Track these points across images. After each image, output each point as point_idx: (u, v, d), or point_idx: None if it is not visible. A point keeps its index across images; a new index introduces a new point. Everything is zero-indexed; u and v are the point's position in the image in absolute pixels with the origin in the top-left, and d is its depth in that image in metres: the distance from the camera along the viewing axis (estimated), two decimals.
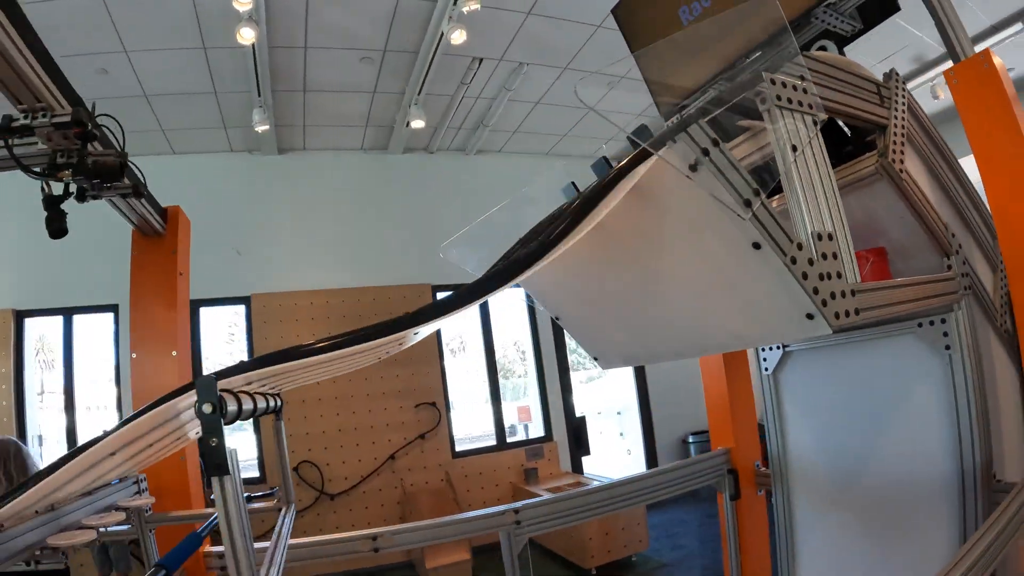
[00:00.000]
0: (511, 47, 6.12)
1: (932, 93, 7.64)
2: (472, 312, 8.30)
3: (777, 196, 1.88)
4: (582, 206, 1.48)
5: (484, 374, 7.96)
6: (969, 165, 2.36)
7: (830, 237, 1.59)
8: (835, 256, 1.58)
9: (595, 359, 2.59)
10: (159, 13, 4.88)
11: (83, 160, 1.56)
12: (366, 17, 5.39)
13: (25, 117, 1.60)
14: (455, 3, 5.00)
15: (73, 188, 1.69)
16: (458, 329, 8.50)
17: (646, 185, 1.57)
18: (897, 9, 2.59)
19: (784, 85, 1.62)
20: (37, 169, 1.61)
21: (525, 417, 8.40)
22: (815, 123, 1.68)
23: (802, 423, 2.89)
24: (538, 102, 7.39)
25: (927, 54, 6.91)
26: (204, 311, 6.90)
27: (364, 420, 6.94)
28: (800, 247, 1.50)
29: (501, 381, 8.19)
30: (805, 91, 1.67)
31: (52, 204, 1.62)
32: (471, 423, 8.07)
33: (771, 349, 2.95)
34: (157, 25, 5.04)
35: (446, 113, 7.23)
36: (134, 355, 2.40)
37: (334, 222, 7.61)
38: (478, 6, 4.84)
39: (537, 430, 8.20)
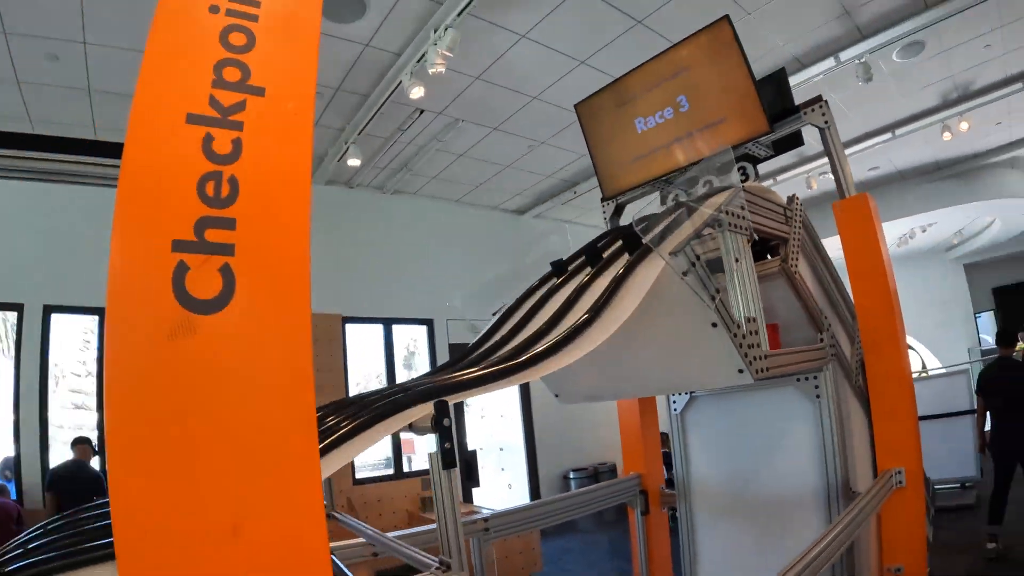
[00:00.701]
0: (453, 104, 6.89)
1: (807, 184, 9.40)
2: (378, 342, 8.86)
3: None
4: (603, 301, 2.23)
5: None
6: (831, 244, 3.36)
7: (754, 320, 2.45)
8: (756, 333, 2.44)
9: (556, 395, 3.34)
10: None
11: None
12: (330, 60, 5.93)
13: None
14: (419, 61, 5.71)
15: None
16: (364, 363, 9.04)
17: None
18: (802, 144, 3.60)
19: (732, 214, 2.48)
20: None
21: (408, 449, 8.96)
22: (748, 240, 2.56)
23: (703, 452, 3.78)
24: (462, 155, 8.21)
25: (807, 151, 8.47)
26: (56, 317, 6.75)
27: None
28: (739, 326, 2.35)
29: None
30: (744, 217, 2.55)
31: None
32: (369, 452, 8.54)
33: (681, 394, 3.84)
34: None
35: (376, 153, 7.85)
36: None
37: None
38: (443, 69, 5.52)
39: None
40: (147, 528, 0.90)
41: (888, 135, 9.43)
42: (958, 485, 7.50)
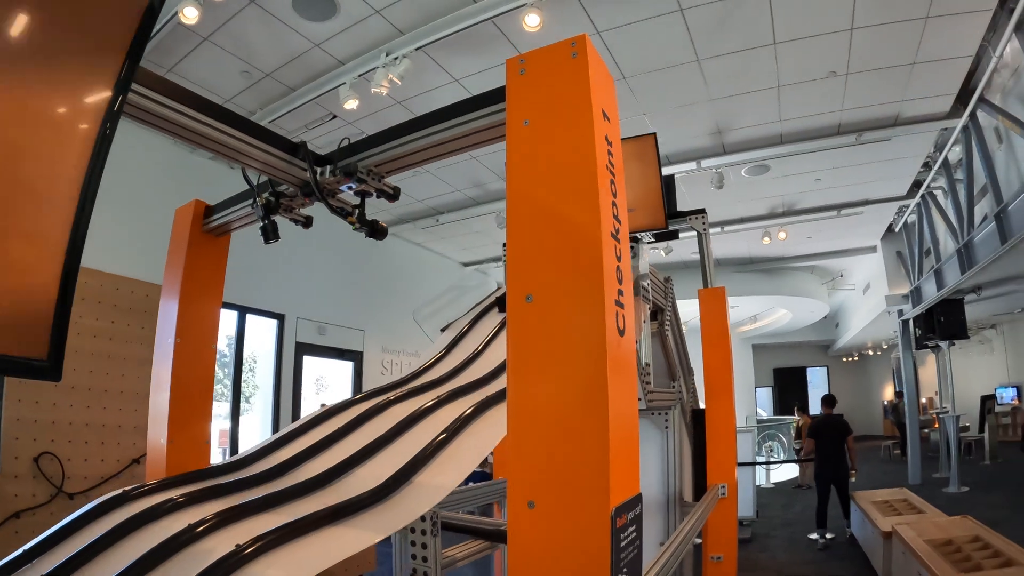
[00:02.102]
0: (365, 118, 7.65)
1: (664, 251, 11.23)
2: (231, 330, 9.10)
3: None
4: None
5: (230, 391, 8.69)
6: (685, 307, 4.62)
7: (648, 364, 3.60)
8: (649, 374, 3.59)
9: None
10: None
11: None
12: (275, 47, 6.35)
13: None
14: (360, 76, 6.46)
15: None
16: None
17: None
18: (677, 238, 4.89)
19: (644, 287, 3.63)
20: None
21: (224, 441, 8.96)
22: (650, 307, 3.73)
23: None
24: None
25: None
26: None
27: (114, 418, 6.97)
28: (643, 367, 3.49)
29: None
30: (649, 290, 3.72)
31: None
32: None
33: None
34: None
35: None
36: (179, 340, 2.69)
37: (140, 209, 7.62)
38: (385, 91, 6.31)
39: None
40: None
41: (718, 229, 11.50)
42: (739, 523, 9.27)
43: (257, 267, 8.66)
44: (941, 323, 11.84)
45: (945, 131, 8.80)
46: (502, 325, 3.29)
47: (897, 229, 12.96)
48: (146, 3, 1.31)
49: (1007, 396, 18.48)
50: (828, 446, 8.78)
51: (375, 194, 2.24)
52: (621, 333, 1.35)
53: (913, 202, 11.32)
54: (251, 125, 2.07)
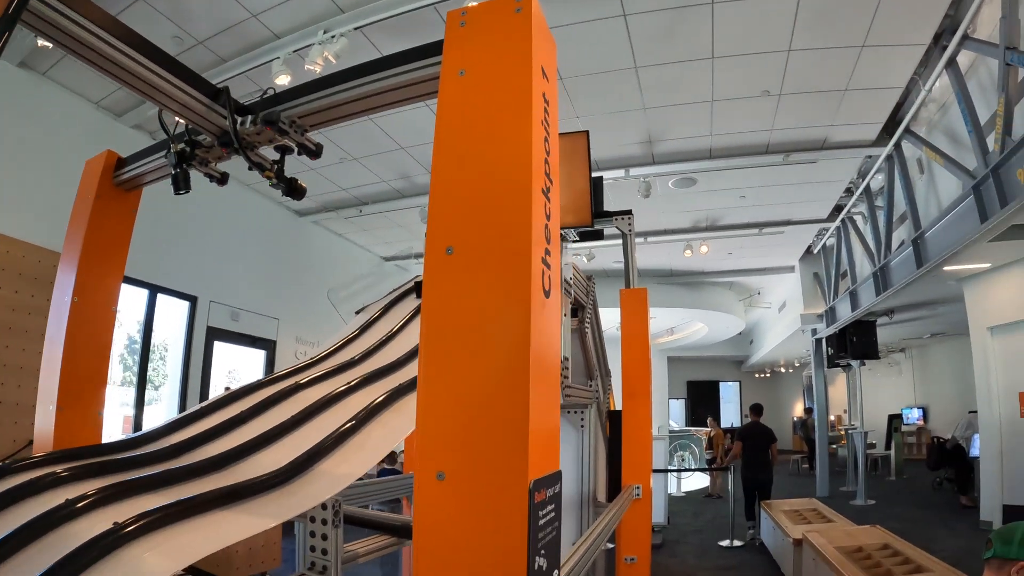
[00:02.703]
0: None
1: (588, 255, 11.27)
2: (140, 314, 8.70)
3: None
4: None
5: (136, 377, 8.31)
6: (607, 315, 4.63)
7: (567, 359, 3.57)
8: (568, 368, 3.56)
9: None
10: None
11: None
12: (210, 13, 6.08)
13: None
14: (295, 51, 6.26)
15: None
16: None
17: None
18: (602, 238, 4.90)
19: (567, 281, 3.60)
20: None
21: (127, 429, 8.71)
22: (572, 303, 3.70)
23: None
24: None
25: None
26: None
27: (12, 395, 6.53)
28: (563, 362, 3.45)
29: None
30: (572, 285, 3.69)
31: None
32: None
33: None
34: None
35: None
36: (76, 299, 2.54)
37: (52, 173, 6.94)
38: (319, 69, 6.05)
39: None
40: None
41: (642, 239, 11.69)
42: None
43: (172, 244, 8.34)
44: (853, 343, 12.40)
45: (869, 158, 9.17)
46: (417, 310, 3.20)
47: (816, 251, 13.45)
48: None
49: (913, 417, 19.50)
50: (754, 451, 9.66)
51: (296, 149, 2.13)
52: (547, 294, 1.29)
53: (833, 225, 11.76)
54: (174, 63, 1.95)
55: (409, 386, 2.13)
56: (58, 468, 1.57)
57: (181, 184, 2.19)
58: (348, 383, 2.23)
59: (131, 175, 2.51)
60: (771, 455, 9.65)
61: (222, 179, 2.36)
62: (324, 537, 1.81)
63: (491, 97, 1.37)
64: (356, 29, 5.96)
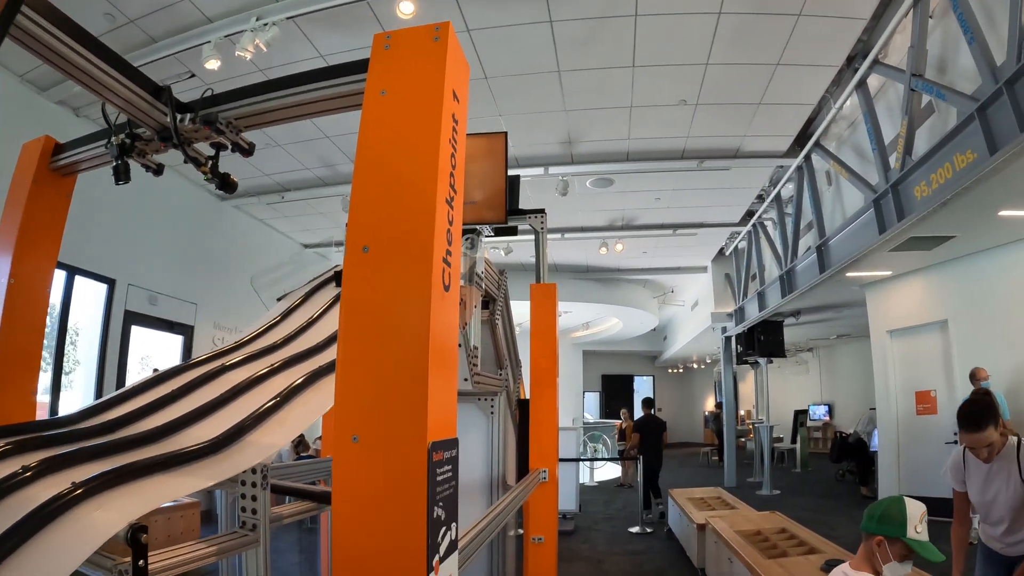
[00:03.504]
0: (224, 81, 7.36)
1: (505, 251, 11.54)
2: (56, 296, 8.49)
3: None
4: None
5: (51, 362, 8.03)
6: (520, 307, 4.90)
7: (476, 348, 3.82)
8: (477, 357, 3.81)
9: None
10: None
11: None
12: None
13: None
14: (226, 36, 6.29)
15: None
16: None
17: None
18: (515, 234, 5.15)
19: (478, 274, 3.84)
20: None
21: (43, 415, 8.60)
22: (482, 294, 3.95)
23: None
24: None
25: None
26: None
27: None
28: (471, 350, 3.70)
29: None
30: (483, 278, 3.94)
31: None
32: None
33: None
34: None
35: None
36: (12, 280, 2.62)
37: None
38: (249, 56, 6.17)
39: None
40: None
41: (559, 235, 12.08)
42: (562, 515, 9.85)
43: (91, 225, 8.14)
44: (761, 341, 13.08)
45: (780, 168, 9.74)
46: (336, 298, 3.38)
47: (728, 253, 14.09)
48: None
49: (819, 413, 20.61)
50: (649, 440, 11.13)
51: (230, 147, 2.31)
52: (446, 288, 1.52)
53: (745, 229, 12.38)
54: (119, 60, 2.09)
55: (327, 368, 2.33)
56: (24, 437, 1.71)
57: (122, 175, 2.33)
58: (271, 365, 2.42)
59: (67, 161, 2.62)
60: (662, 442, 11.37)
61: (158, 170, 2.51)
62: (254, 498, 1.99)
63: (407, 116, 1.59)
64: (289, 19, 6.04)
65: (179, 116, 2.25)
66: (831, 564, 4.34)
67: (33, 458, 1.57)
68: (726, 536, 5.72)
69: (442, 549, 1.50)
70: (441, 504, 1.51)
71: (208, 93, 2.31)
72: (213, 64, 6.45)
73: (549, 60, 6.89)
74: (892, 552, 2.41)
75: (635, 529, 9.61)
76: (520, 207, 5.14)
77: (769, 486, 12.72)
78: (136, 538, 1.37)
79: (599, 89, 7.47)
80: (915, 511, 2.45)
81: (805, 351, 21.31)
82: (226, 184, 2.48)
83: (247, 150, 2.36)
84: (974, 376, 7.50)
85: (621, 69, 7.05)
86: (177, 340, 10.26)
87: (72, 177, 2.75)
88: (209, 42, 6.41)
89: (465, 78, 1.80)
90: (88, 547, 1.25)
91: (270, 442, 1.89)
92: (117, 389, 7.22)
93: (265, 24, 6.05)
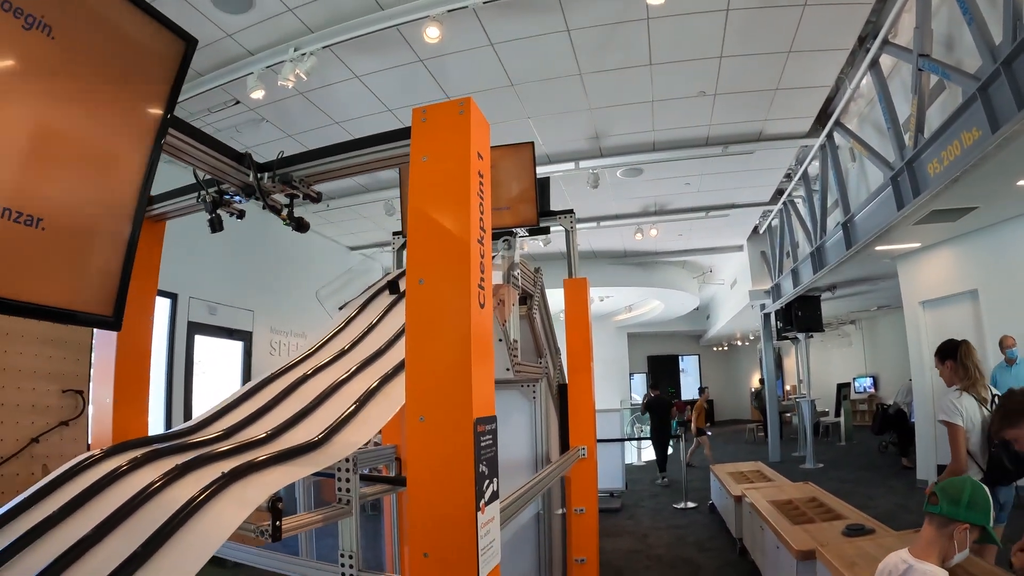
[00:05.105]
0: (267, 106, 8.06)
1: (544, 242, 12.08)
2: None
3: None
4: None
5: None
6: (557, 295, 5.42)
7: (516, 341, 4.36)
8: (517, 349, 4.35)
9: None
10: None
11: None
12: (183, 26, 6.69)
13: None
14: (268, 67, 6.89)
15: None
16: None
17: None
18: (548, 234, 5.68)
19: (514, 276, 4.38)
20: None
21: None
22: (519, 293, 4.49)
23: None
24: (249, 148, 9.30)
25: None
26: None
27: (12, 397, 6.55)
28: (511, 343, 4.24)
29: None
30: (518, 278, 4.47)
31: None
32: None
33: None
34: None
35: None
36: None
37: None
38: (291, 85, 6.79)
39: None
40: None
41: (594, 224, 12.60)
42: (609, 494, 10.46)
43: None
44: (798, 317, 13.35)
45: (804, 148, 10.06)
46: (391, 304, 3.92)
47: (761, 231, 14.38)
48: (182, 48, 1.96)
49: (864, 385, 20.63)
50: (658, 417, 13.28)
51: (302, 197, 2.88)
52: (482, 306, 2.07)
53: (776, 208, 12.68)
54: (207, 137, 2.65)
55: (393, 373, 2.86)
56: (156, 446, 2.25)
57: (217, 226, 2.91)
58: (347, 371, 2.98)
59: (161, 211, 3.21)
60: (671, 414, 13.95)
61: (240, 215, 3.09)
62: (347, 480, 2.55)
63: (444, 177, 2.12)
64: (325, 48, 6.61)
65: (260, 175, 2.81)
66: (852, 528, 4.80)
67: (172, 462, 2.07)
68: (759, 506, 6.11)
69: (486, 496, 2.05)
70: (484, 463, 2.05)
71: (280, 154, 2.86)
72: (258, 94, 7.06)
73: (570, 65, 7.37)
74: (970, 539, 2.36)
75: (680, 505, 10.08)
76: (551, 207, 5.65)
77: (812, 459, 13.05)
78: (275, 506, 1.95)
79: (620, 87, 7.93)
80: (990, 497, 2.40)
81: (848, 323, 21.39)
82: (300, 226, 3.05)
83: (316, 199, 2.93)
84: (1002, 344, 7.69)
85: (639, 68, 7.49)
86: (237, 346, 11.01)
87: (163, 223, 3.34)
88: (252, 73, 7.00)
89: (486, 138, 2.32)
90: (247, 510, 1.82)
91: (356, 439, 2.44)
92: (185, 394, 8.01)
93: (303, 54, 6.62)
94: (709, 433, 15.05)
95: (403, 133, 2.39)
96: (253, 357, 11.10)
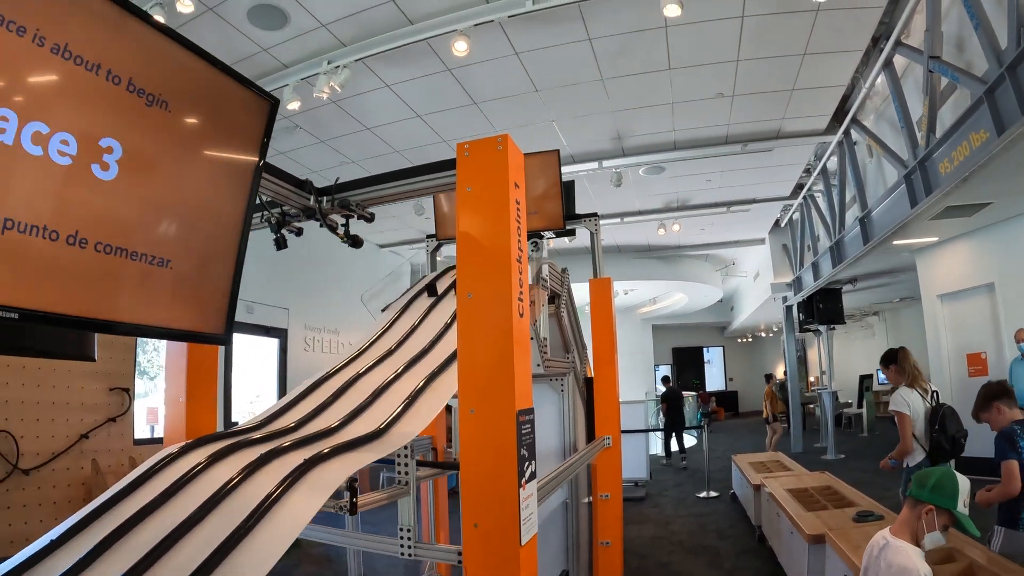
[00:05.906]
0: (300, 114, 8.41)
1: (569, 239, 12.43)
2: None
3: None
4: None
5: None
6: (583, 289, 5.76)
7: (546, 338, 4.72)
8: (546, 346, 4.71)
9: None
10: None
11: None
12: (225, 50, 6.89)
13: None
14: (303, 79, 7.31)
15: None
16: None
17: None
18: (574, 235, 6.02)
19: (543, 277, 4.74)
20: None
21: (153, 419, 9.25)
22: (548, 293, 4.85)
23: None
24: (281, 152, 9.77)
25: None
26: None
27: (62, 396, 6.92)
28: (541, 340, 4.61)
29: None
30: (547, 279, 4.83)
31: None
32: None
33: None
34: None
35: None
36: None
37: None
38: (326, 96, 7.17)
39: None
40: None
41: (618, 220, 12.93)
42: (634, 483, 10.83)
43: None
44: (820, 309, 13.56)
45: (823, 144, 10.30)
46: (430, 306, 4.27)
47: (783, 225, 14.59)
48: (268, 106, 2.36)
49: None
50: (673, 407, 15.03)
51: (356, 216, 3.27)
52: (521, 315, 2.44)
53: (796, 202, 12.89)
54: (270, 166, 3.04)
55: (439, 371, 3.24)
56: (239, 438, 2.60)
57: (282, 243, 3.32)
58: (395, 370, 3.36)
59: None
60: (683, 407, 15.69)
61: (299, 232, 3.48)
62: (406, 465, 2.91)
63: (486, 205, 2.49)
64: (358, 60, 6.99)
65: (320, 199, 3.20)
66: (862, 515, 5.11)
67: (254, 452, 2.38)
68: (776, 494, 6.39)
69: (526, 475, 2.43)
70: (525, 448, 2.43)
71: (337, 180, 3.25)
72: (294, 105, 7.47)
73: (592, 71, 7.69)
74: (938, 522, 2.53)
75: (703, 494, 10.41)
76: (576, 210, 5.98)
77: (834, 450, 13.28)
78: (352, 486, 2.36)
79: (641, 91, 8.24)
80: (965, 486, 2.56)
81: (871, 315, 21.49)
82: (356, 243, 3.45)
83: (369, 219, 3.32)
84: (1017, 337, 7.86)
85: (659, 72, 7.79)
86: (273, 343, 11.48)
87: None
88: (288, 85, 7.39)
89: (521, 169, 2.68)
90: (331, 487, 2.20)
91: (411, 430, 2.81)
92: (225, 389, 8.47)
93: (336, 67, 7.00)
94: (786, 425, 15.21)
95: (449, 164, 2.76)
96: (288, 353, 11.57)
